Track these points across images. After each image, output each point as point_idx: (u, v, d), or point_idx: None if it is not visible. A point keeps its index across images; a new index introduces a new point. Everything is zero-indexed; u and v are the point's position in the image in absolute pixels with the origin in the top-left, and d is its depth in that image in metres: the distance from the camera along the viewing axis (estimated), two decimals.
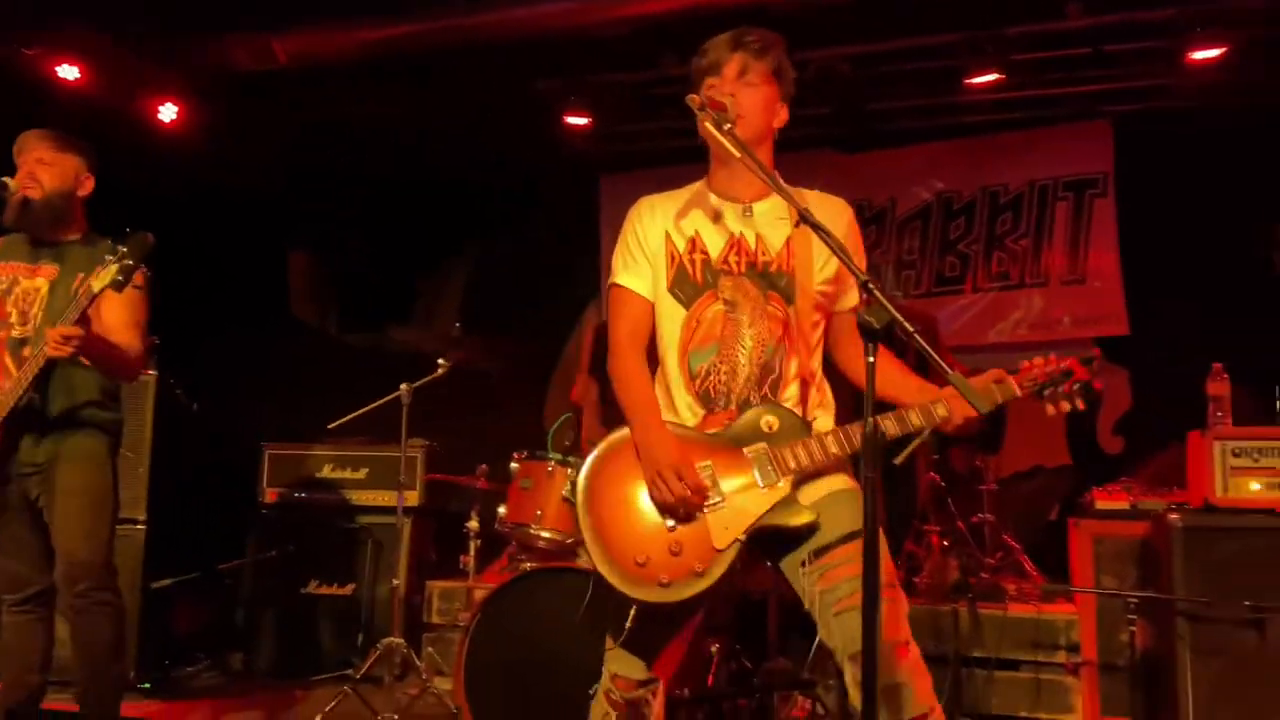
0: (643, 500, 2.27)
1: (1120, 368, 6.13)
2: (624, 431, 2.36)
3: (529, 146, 6.60)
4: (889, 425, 2.24)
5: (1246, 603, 3.41)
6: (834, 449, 2.26)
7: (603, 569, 2.24)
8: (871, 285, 2.01)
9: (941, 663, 3.99)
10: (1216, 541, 3.52)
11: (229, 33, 5.21)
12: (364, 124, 6.15)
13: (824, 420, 2.39)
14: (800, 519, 2.26)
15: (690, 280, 2.38)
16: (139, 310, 3.20)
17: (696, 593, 2.23)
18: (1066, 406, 2.27)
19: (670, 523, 2.25)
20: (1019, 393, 2.26)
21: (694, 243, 2.40)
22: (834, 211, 2.41)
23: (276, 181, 6.38)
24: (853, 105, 6.05)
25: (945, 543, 4.86)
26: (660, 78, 5.71)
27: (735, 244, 2.38)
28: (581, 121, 5.94)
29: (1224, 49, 4.83)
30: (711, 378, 2.35)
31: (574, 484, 2.37)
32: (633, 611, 2.28)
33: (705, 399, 2.35)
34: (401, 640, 4.19)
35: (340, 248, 6.97)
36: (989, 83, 5.21)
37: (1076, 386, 2.27)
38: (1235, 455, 3.58)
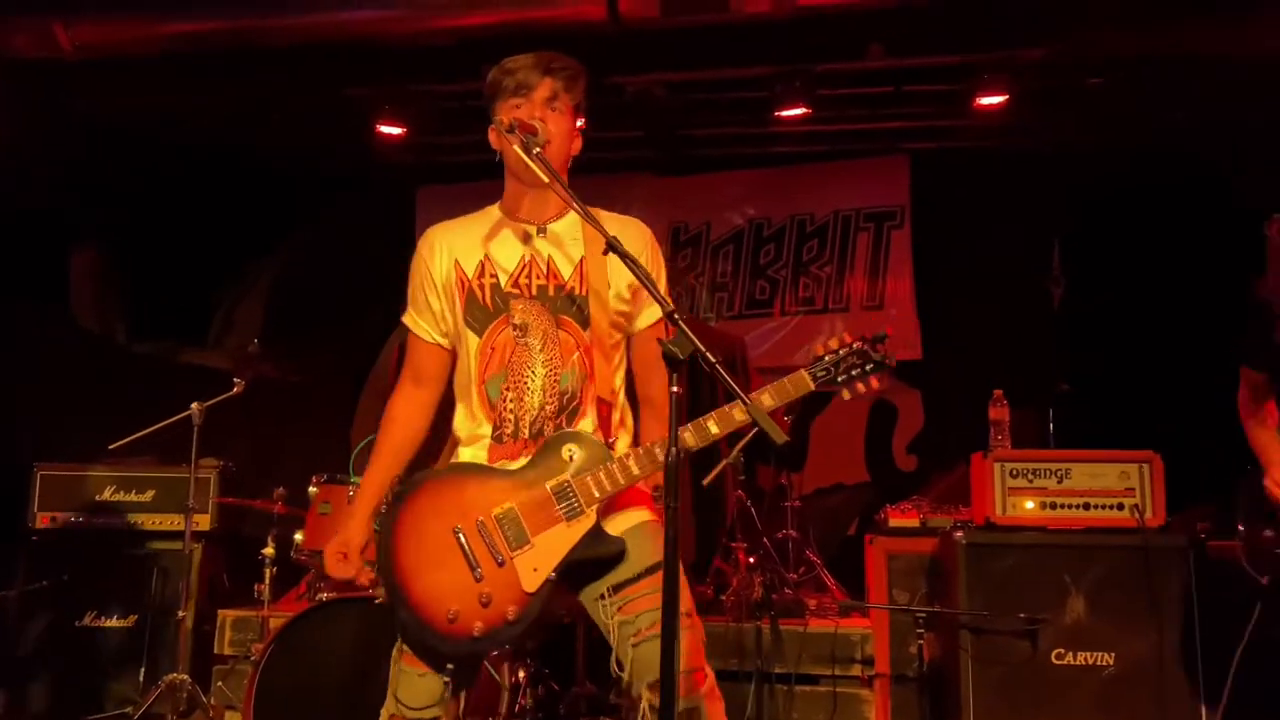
0: (449, 550, 2.21)
1: (914, 389, 6.50)
2: (422, 476, 2.30)
3: (342, 154, 6.40)
4: (688, 437, 2.17)
5: (1021, 615, 3.65)
6: (636, 470, 2.23)
7: (412, 628, 2.20)
8: (675, 315, 2.03)
9: (746, 679, 4.09)
10: (996, 558, 3.75)
11: (7, 15, 4.79)
12: (161, 121, 5.78)
13: (625, 441, 2.38)
14: (609, 548, 2.25)
15: (481, 306, 2.33)
16: None
17: (510, 639, 2.22)
18: (862, 388, 2.23)
19: (479, 573, 2.19)
20: (812, 385, 2.21)
21: (484, 267, 2.35)
22: (633, 234, 2.36)
23: (59, 178, 5.89)
24: (667, 130, 6.18)
25: (751, 559, 4.98)
26: (480, 90, 5.62)
27: (527, 266, 2.35)
28: (396, 131, 5.79)
29: (1006, 96, 5.21)
30: (504, 405, 2.31)
31: (377, 536, 2.30)
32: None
33: (498, 428, 2.31)
34: (186, 676, 3.93)
35: (131, 251, 6.50)
36: (797, 116, 5.42)
37: (870, 368, 2.22)
38: (1013, 476, 3.84)
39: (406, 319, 2.42)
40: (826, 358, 2.23)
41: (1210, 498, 4.25)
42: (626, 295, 2.37)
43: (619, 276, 2.35)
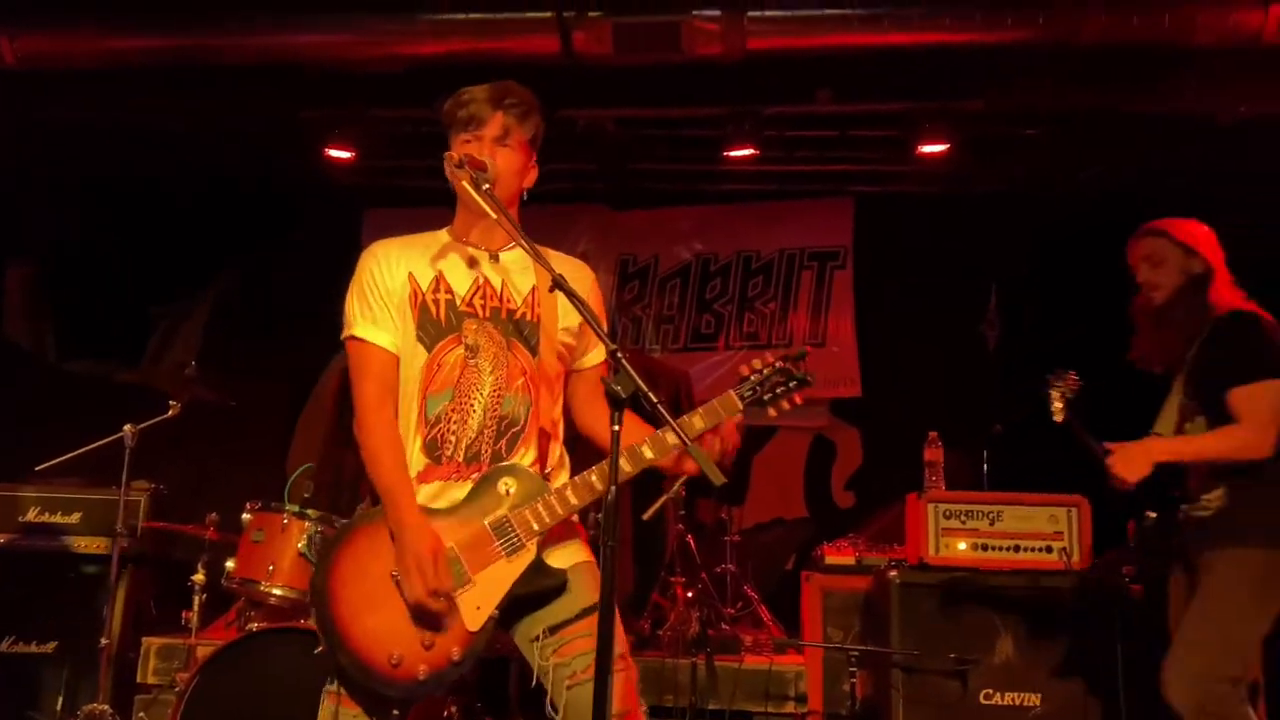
0: (388, 592, 2.18)
1: (853, 427, 6.59)
2: (358, 518, 2.28)
3: (290, 175, 6.35)
4: (624, 464, 2.16)
5: (951, 655, 3.71)
6: (574, 500, 2.22)
7: (354, 673, 2.16)
8: (619, 355, 2.05)
9: (680, 716, 4.09)
10: (928, 597, 3.81)
11: None
12: (106, 136, 5.69)
13: (562, 477, 2.36)
14: (551, 580, 2.24)
15: (434, 320, 2.29)
16: None
17: (455, 680, 2.20)
18: (787, 405, 2.28)
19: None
20: (740, 405, 2.25)
21: (438, 282, 2.32)
22: (578, 274, 2.36)
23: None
24: (618, 164, 6.24)
25: (689, 594, 5.00)
26: (432, 117, 5.64)
27: (480, 288, 2.33)
28: (345, 154, 5.76)
29: (947, 145, 5.36)
30: (442, 424, 2.26)
31: (312, 580, 2.25)
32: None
33: (432, 447, 2.26)
34: (107, 706, 3.81)
35: (69, 266, 6.36)
36: (746, 156, 5.51)
37: (793, 385, 2.28)
38: (946, 517, 3.91)
39: (361, 332, 2.29)
40: (752, 377, 2.28)
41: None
42: (574, 329, 2.39)
43: (567, 312, 2.34)
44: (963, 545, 3.87)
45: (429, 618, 2.17)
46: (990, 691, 3.71)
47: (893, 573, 3.85)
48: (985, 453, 5.17)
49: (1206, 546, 3.02)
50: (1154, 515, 3.39)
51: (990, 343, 6.30)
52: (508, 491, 2.24)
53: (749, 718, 4.20)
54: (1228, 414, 3.01)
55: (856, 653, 3.84)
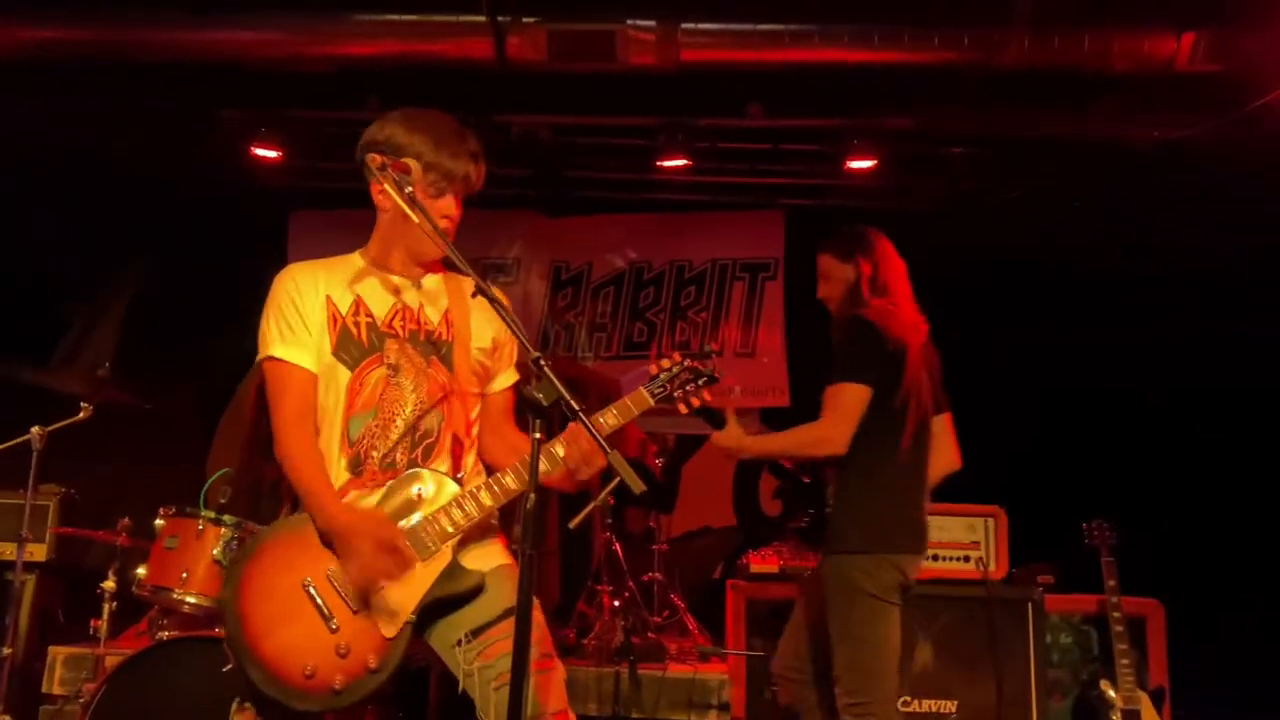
0: (300, 603, 2.15)
1: None
2: (266, 530, 2.25)
3: (214, 173, 6.20)
4: (543, 464, 2.17)
5: None
6: (488, 500, 2.24)
7: (267, 688, 2.11)
8: (543, 362, 2.04)
9: None
10: None
11: None
12: (21, 127, 5.50)
13: (475, 483, 2.35)
14: (467, 582, 2.23)
15: (355, 341, 2.31)
16: None
17: (373, 690, 2.16)
18: (696, 402, 2.36)
19: (334, 624, 2.15)
20: (652, 401, 2.33)
21: (358, 305, 2.34)
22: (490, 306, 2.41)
23: None
24: (552, 171, 6.22)
25: (616, 603, 5.00)
26: (361, 119, 5.56)
27: (400, 311, 2.36)
28: (271, 154, 5.66)
29: (875, 161, 5.45)
30: (365, 442, 2.28)
31: (221, 597, 2.23)
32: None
33: (355, 463, 2.27)
34: (8, 717, 3.67)
35: None
36: (679, 166, 5.55)
37: (702, 381, 2.36)
38: None
39: (279, 353, 2.28)
40: (661, 375, 2.36)
41: (1051, 552, 4.50)
42: (488, 347, 2.43)
43: (481, 330, 2.40)
44: None
45: (381, 582, 2.14)
46: (908, 699, 3.77)
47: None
48: None
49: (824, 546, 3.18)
50: (810, 513, 3.50)
51: None
52: (420, 495, 2.23)
53: None
54: None
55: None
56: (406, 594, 2.18)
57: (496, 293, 2.10)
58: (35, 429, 3.82)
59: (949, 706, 3.76)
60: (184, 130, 5.70)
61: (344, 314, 2.32)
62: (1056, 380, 5.99)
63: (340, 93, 5.36)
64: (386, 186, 2.21)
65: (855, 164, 5.47)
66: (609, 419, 2.26)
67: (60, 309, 6.53)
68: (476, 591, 2.24)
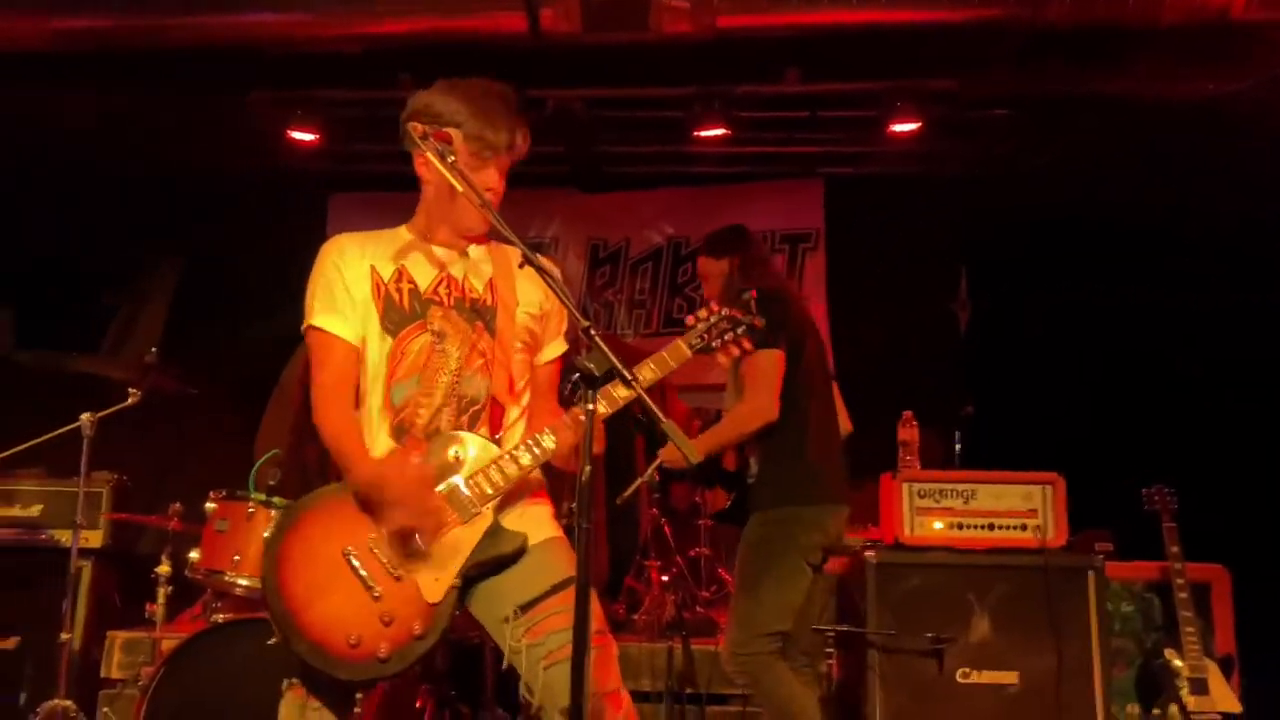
0: (341, 573, 2.13)
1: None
2: (304, 501, 2.23)
3: (252, 158, 6.23)
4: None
5: (928, 634, 3.69)
6: (527, 460, 2.20)
7: (312, 659, 2.10)
8: (593, 332, 2.00)
9: (657, 700, 4.06)
10: (904, 577, 3.78)
11: None
12: (59, 118, 5.54)
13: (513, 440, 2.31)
14: (510, 544, 2.20)
15: (398, 309, 2.29)
16: None
17: (420, 656, 2.14)
18: (735, 351, 2.29)
19: (376, 592, 2.12)
20: (689, 353, 2.27)
21: (401, 273, 2.32)
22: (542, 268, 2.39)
23: None
24: (587, 146, 6.17)
25: (664, 578, 4.97)
26: (395, 98, 5.55)
27: (443, 281, 2.34)
28: (308, 137, 5.66)
29: (919, 124, 5.33)
30: (409, 409, 2.26)
31: (262, 571, 2.20)
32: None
33: (399, 432, 2.25)
34: (70, 702, 3.72)
35: (22, 253, 6.19)
36: (716, 136, 5.46)
37: (741, 330, 2.28)
38: (920, 496, 3.89)
39: (321, 323, 2.27)
40: (699, 325, 2.29)
41: (1108, 519, 4.40)
42: (535, 313, 2.40)
43: (528, 297, 2.37)
44: (938, 524, 3.85)
45: (422, 538, 2.13)
46: (967, 670, 3.70)
47: (869, 553, 3.83)
48: (957, 433, 5.19)
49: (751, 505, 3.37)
50: (731, 497, 3.58)
51: (961, 323, 6.32)
52: (458, 458, 2.20)
53: (725, 701, 4.18)
54: None
55: (833, 633, 3.82)
56: (449, 558, 2.16)
57: (544, 261, 2.06)
58: (85, 416, 3.85)
59: (1009, 678, 3.68)
60: (219, 115, 5.72)
61: (387, 282, 2.30)
62: (1101, 344, 5.87)
63: (373, 73, 5.34)
64: (429, 155, 2.17)
65: (899, 128, 5.35)
66: (645, 373, 2.20)
67: (104, 296, 6.60)
68: (519, 554, 2.21)
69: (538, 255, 2.09)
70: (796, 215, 6.62)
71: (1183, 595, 3.89)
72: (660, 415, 2.01)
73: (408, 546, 2.15)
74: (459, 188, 2.17)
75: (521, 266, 2.10)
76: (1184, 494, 4.11)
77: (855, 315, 6.47)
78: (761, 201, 6.66)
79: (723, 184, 6.66)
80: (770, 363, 3.24)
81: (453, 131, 2.26)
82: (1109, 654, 3.73)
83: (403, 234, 2.39)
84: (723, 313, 2.28)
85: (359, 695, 2.19)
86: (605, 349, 1.94)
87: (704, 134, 5.48)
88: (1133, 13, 4.37)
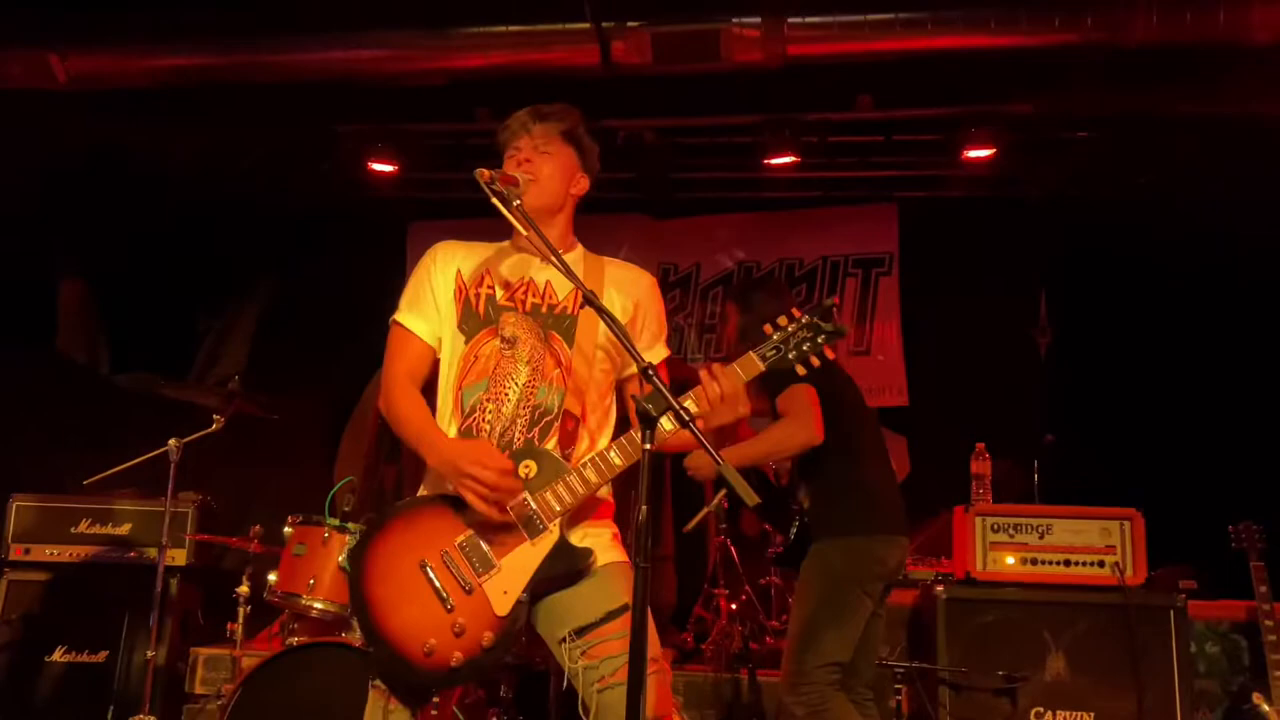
0: (418, 584, 2.19)
1: (900, 436, 6.47)
2: (385, 513, 2.29)
3: (334, 190, 6.42)
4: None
5: (1001, 671, 3.62)
6: (594, 477, 2.21)
7: (392, 665, 2.17)
8: (650, 373, 2.00)
9: None
10: (976, 613, 3.72)
11: (4, 46, 4.81)
12: (152, 153, 5.79)
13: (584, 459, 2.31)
14: (577, 561, 2.23)
15: (474, 313, 2.36)
16: None
17: (490, 666, 2.19)
18: (817, 362, 2.21)
19: (449, 604, 2.17)
20: (761, 365, 2.19)
21: (482, 279, 2.39)
22: (632, 278, 2.43)
23: (49, 208, 5.90)
24: (658, 173, 6.21)
25: (733, 607, 4.95)
26: (474, 130, 5.70)
27: (525, 285, 2.39)
28: (388, 168, 5.82)
29: (994, 149, 5.25)
30: (477, 414, 2.30)
31: (349, 579, 2.25)
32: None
33: (468, 435, 2.29)
34: (153, 717, 3.86)
35: (118, 282, 6.48)
36: (787, 164, 5.46)
37: (823, 338, 2.19)
38: (994, 530, 3.82)
39: (402, 318, 2.38)
40: (775, 335, 2.21)
41: (1191, 556, 4.26)
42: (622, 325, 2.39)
43: (614, 307, 2.38)
44: (1011, 559, 3.78)
45: (501, 520, 2.16)
46: (1041, 710, 3.62)
47: (939, 588, 3.77)
48: (1036, 463, 5.07)
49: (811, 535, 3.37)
50: (791, 535, 3.53)
51: (1041, 349, 6.17)
52: (528, 474, 2.23)
53: None
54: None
55: (902, 669, 3.76)
56: (517, 573, 2.20)
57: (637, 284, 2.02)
58: (172, 441, 4.01)
59: (1085, 718, 3.59)
60: (305, 148, 5.91)
61: (468, 286, 2.38)
62: (1187, 373, 5.67)
63: (451, 106, 5.48)
64: (495, 202, 2.22)
65: (973, 153, 5.28)
66: (713, 388, 2.17)
67: (193, 324, 6.86)
68: (586, 570, 2.23)
69: (596, 295, 2.12)
70: (870, 240, 6.56)
71: (1271, 638, 3.74)
72: (719, 458, 2.01)
73: (489, 525, 2.18)
74: (523, 232, 2.22)
75: (582, 307, 2.13)
76: (1273, 531, 3.96)
77: (931, 342, 6.38)
78: (834, 226, 6.62)
79: (794, 209, 6.64)
80: (806, 395, 3.23)
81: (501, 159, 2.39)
82: (1192, 697, 3.61)
83: (503, 245, 2.48)
84: (803, 320, 2.20)
85: (437, 699, 2.24)
86: (665, 390, 1.95)
87: (775, 161, 5.48)
88: (1223, 31, 4.26)
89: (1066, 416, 5.67)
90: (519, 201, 2.23)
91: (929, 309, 6.41)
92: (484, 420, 2.28)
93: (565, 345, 2.32)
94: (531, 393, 2.29)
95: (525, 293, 2.36)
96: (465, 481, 2.14)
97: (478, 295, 2.36)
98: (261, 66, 4.88)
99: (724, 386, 2.14)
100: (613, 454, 2.20)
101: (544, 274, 2.39)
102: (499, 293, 2.36)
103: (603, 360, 2.38)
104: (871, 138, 5.75)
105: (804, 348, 2.19)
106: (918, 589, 4.15)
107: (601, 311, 2.09)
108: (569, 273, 2.16)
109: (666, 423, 2.00)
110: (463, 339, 2.34)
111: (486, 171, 2.23)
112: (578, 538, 2.27)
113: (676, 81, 4.92)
